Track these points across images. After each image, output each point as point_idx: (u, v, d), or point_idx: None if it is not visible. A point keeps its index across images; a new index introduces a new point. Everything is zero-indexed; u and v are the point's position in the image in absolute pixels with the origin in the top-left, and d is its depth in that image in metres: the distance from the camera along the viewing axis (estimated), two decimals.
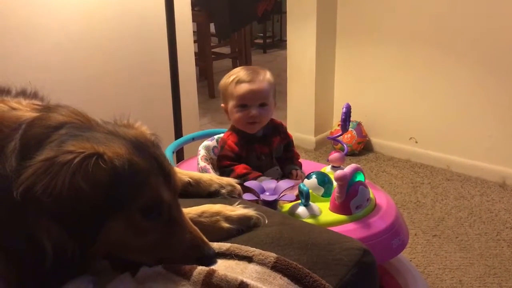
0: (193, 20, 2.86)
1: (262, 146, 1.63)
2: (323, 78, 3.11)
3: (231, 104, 1.60)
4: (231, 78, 1.60)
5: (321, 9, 2.93)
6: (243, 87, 1.57)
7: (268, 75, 1.62)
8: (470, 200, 2.54)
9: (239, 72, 1.61)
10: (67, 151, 0.76)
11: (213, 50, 4.64)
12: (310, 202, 1.39)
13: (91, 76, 2.16)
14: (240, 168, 1.54)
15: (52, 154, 0.76)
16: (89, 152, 0.76)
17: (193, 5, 3.54)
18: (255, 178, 1.49)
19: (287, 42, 3.16)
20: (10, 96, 0.95)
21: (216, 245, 0.90)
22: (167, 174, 0.85)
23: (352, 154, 3.04)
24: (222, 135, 1.77)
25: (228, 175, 1.53)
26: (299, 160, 1.72)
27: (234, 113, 1.60)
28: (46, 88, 1.01)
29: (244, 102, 1.57)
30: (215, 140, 1.77)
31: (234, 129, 1.64)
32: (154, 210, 0.82)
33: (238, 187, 1.21)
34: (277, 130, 1.68)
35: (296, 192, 1.45)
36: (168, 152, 1.78)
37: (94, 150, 0.77)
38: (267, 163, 1.64)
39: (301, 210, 1.38)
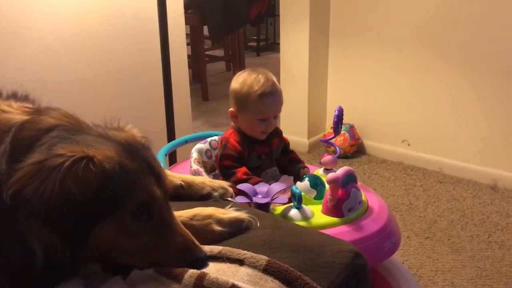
0: (186, 23, 2.86)
1: (262, 147, 1.64)
2: (316, 80, 3.12)
3: (249, 114, 1.59)
4: (255, 88, 1.56)
5: (314, 12, 2.94)
6: (268, 102, 1.57)
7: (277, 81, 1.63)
8: (462, 202, 2.55)
9: (260, 80, 1.58)
10: (57, 154, 0.76)
11: (206, 52, 4.64)
12: (302, 205, 1.39)
13: (83, 79, 2.15)
14: (241, 173, 1.54)
15: (42, 157, 0.75)
16: (79, 155, 0.76)
17: (186, 7, 3.55)
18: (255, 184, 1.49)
19: (280, 45, 3.17)
20: (1, 99, 0.95)
21: (208, 248, 0.89)
22: (157, 176, 0.85)
23: (345, 156, 3.05)
24: (215, 137, 1.77)
25: (228, 178, 1.53)
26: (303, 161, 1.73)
27: (251, 123, 1.60)
28: (37, 90, 1.00)
29: (267, 116, 1.58)
30: (208, 143, 1.77)
31: (237, 129, 1.64)
32: (145, 211, 0.82)
33: (230, 189, 1.20)
34: (276, 132, 1.70)
35: (288, 194, 1.45)
36: (161, 154, 1.78)
37: (84, 153, 0.76)
38: (267, 162, 1.65)
39: (294, 212, 1.38)
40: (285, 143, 1.73)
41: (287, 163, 1.70)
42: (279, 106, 1.62)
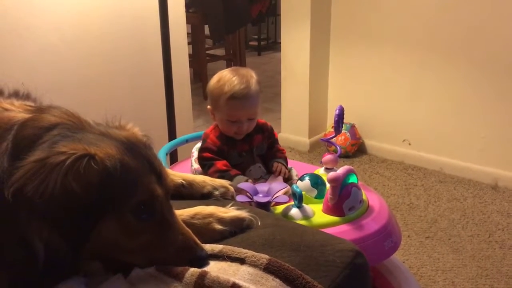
0: (188, 22, 2.86)
1: (242, 144, 1.63)
2: (317, 80, 3.12)
3: (220, 115, 1.59)
4: (225, 90, 1.54)
5: (315, 12, 2.94)
6: (236, 106, 1.54)
7: (256, 83, 1.57)
8: (463, 202, 2.55)
9: (232, 82, 1.54)
10: (58, 152, 0.76)
11: (207, 52, 4.64)
12: (303, 204, 1.39)
13: (85, 78, 2.16)
14: (220, 164, 1.54)
15: (43, 155, 0.75)
16: (80, 153, 0.76)
17: (188, 6, 3.54)
18: (233, 176, 1.50)
19: (281, 44, 3.17)
20: (3, 97, 0.95)
21: (209, 247, 0.89)
22: (158, 175, 0.85)
23: (346, 156, 3.05)
24: None
25: (208, 169, 1.54)
26: (285, 156, 1.71)
27: (223, 123, 1.60)
28: (39, 89, 1.01)
29: (237, 119, 1.57)
30: None
31: (217, 125, 1.64)
32: (147, 210, 0.82)
33: (231, 188, 1.21)
34: (260, 129, 1.68)
35: (289, 193, 1.45)
36: (162, 153, 1.78)
37: (86, 151, 0.77)
38: (248, 160, 1.64)
39: (294, 211, 1.38)
40: (273, 139, 1.71)
41: (267, 158, 1.68)
42: (250, 110, 1.56)
